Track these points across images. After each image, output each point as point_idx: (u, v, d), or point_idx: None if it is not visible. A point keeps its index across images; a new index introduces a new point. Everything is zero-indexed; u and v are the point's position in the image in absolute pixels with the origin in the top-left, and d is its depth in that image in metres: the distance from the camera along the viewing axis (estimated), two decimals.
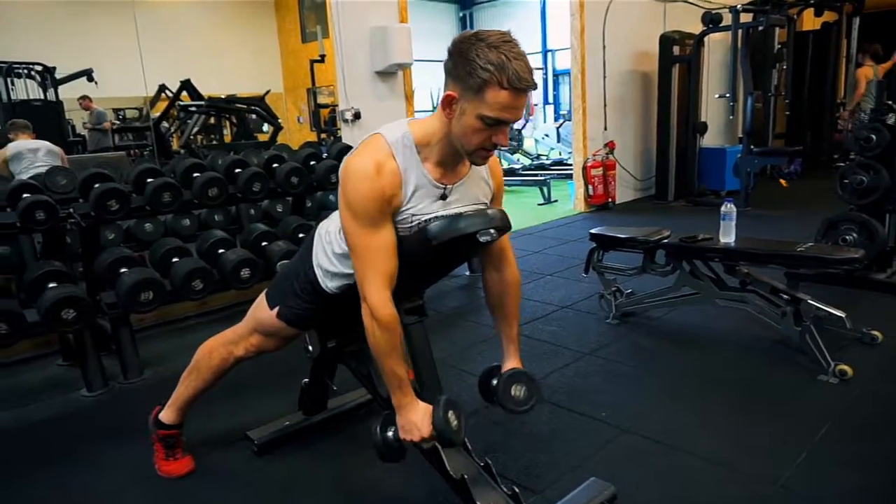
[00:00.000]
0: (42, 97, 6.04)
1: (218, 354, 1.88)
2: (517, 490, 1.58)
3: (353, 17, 4.44)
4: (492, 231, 1.47)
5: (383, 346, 1.44)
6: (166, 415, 1.98)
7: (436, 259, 1.55)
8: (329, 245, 1.64)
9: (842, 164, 4.21)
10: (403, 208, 1.44)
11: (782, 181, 6.19)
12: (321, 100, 7.17)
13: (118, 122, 7.20)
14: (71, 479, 2.06)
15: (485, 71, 1.27)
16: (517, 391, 1.68)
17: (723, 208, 2.77)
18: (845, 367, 2.36)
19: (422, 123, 1.46)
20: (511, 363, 1.75)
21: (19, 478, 2.08)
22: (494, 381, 1.76)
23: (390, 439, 1.54)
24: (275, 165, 3.45)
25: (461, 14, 16.04)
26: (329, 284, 1.67)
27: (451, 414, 1.48)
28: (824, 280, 3.14)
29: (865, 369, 2.41)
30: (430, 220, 1.46)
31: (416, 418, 1.49)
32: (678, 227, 3.18)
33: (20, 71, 5.91)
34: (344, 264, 1.61)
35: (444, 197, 1.48)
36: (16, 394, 2.76)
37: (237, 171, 3.28)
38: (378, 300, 1.42)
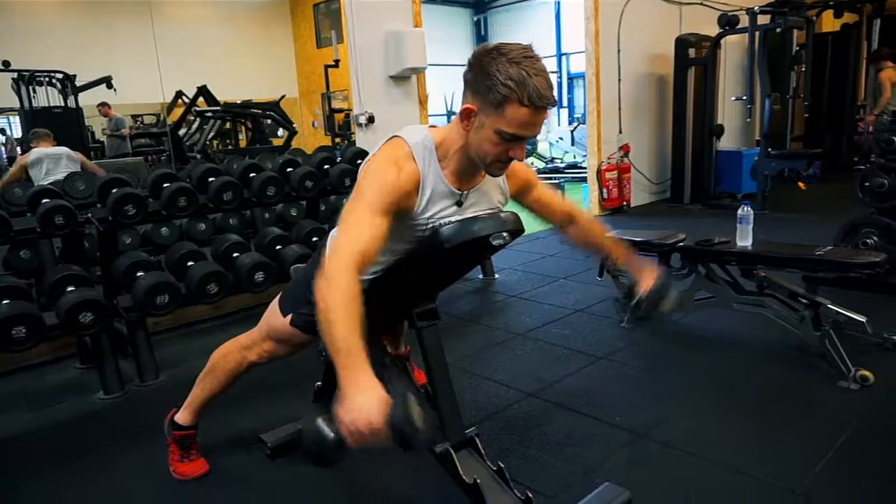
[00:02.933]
0: (62, 104, 6.14)
1: (233, 358, 1.89)
2: (530, 495, 1.57)
3: (368, 22, 4.47)
4: (504, 234, 1.46)
5: (329, 301, 1.19)
6: (182, 416, 2.00)
7: (449, 262, 1.55)
8: None
9: (862, 166, 4.15)
10: (418, 212, 1.43)
11: (800, 184, 6.10)
12: (335, 104, 7.22)
13: (138, 128, 7.31)
14: (87, 480, 2.08)
15: (505, 87, 1.26)
16: (666, 304, 1.75)
17: (740, 211, 2.74)
18: (866, 373, 2.32)
19: (440, 131, 1.47)
20: (647, 273, 1.77)
21: (38, 478, 2.11)
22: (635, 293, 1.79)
23: (324, 431, 1.23)
24: (289, 170, 3.47)
25: (475, 18, 16.07)
26: None
27: (414, 405, 1.14)
28: (844, 284, 3.08)
29: (887, 375, 2.36)
30: (443, 223, 1.46)
31: (367, 398, 1.11)
32: (694, 230, 3.14)
33: (41, 79, 6.01)
34: None
35: (459, 203, 1.48)
36: (35, 396, 2.80)
37: (252, 175, 3.31)
38: (339, 266, 1.24)
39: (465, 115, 1.36)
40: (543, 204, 1.74)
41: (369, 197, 1.36)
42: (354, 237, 1.32)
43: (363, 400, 1.11)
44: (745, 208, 2.74)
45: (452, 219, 1.47)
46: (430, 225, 1.46)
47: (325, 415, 1.21)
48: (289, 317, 1.77)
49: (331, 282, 1.22)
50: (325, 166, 3.60)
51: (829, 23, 7.80)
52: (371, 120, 4.53)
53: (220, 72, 7.23)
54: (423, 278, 1.58)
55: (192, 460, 2.02)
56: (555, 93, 1.33)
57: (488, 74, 1.28)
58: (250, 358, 1.87)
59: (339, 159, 3.80)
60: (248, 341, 1.89)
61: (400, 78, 4.67)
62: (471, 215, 1.50)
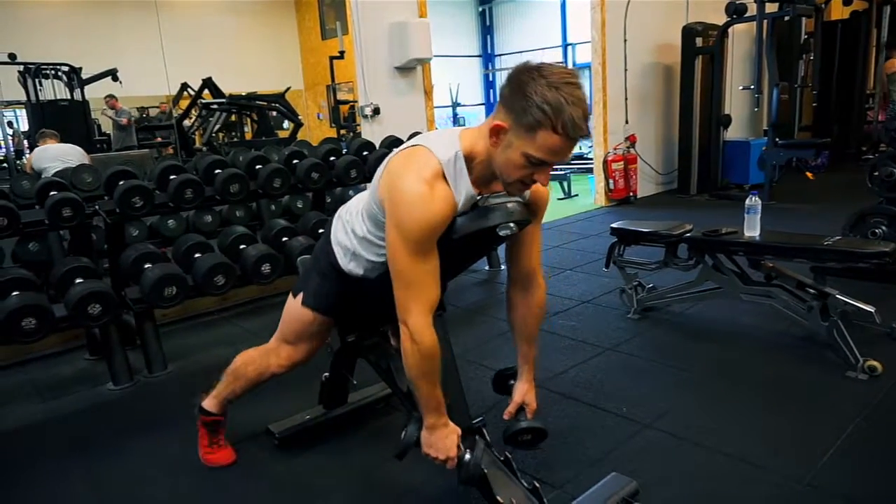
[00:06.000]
0: (69, 97, 6.15)
1: (255, 367, 1.91)
2: (537, 484, 1.58)
3: (373, 13, 4.45)
4: (511, 225, 1.45)
5: (423, 370, 1.45)
6: (209, 403, 2.02)
7: (456, 253, 1.54)
8: (349, 225, 1.64)
9: (870, 156, 4.11)
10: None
11: (808, 174, 6.07)
12: (341, 96, 7.21)
13: (143, 121, 7.32)
14: (98, 469, 2.10)
15: (540, 111, 1.23)
16: (524, 437, 1.71)
17: (747, 201, 2.73)
18: (875, 363, 2.31)
19: (469, 138, 1.41)
20: (525, 384, 1.75)
21: (49, 467, 2.13)
22: (510, 383, 1.81)
23: (408, 437, 1.60)
24: (295, 161, 3.47)
25: (480, 9, 15.94)
26: (349, 265, 1.66)
27: (485, 457, 1.56)
28: (853, 275, 3.07)
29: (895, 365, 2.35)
30: None
31: (448, 444, 1.53)
32: (701, 221, 3.13)
33: (48, 71, 6.02)
34: (364, 248, 1.60)
35: (475, 205, 1.46)
36: (46, 387, 2.83)
37: (258, 167, 3.31)
38: (420, 326, 1.40)
39: (495, 131, 1.32)
40: (525, 242, 1.64)
41: (414, 239, 1.35)
42: (417, 289, 1.40)
43: (447, 444, 1.54)
44: (754, 198, 2.72)
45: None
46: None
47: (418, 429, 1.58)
48: (300, 296, 1.78)
49: (415, 342, 1.41)
50: (331, 158, 3.60)
51: (838, 10, 7.71)
52: (377, 111, 4.52)
53: (225, 64, 7.22)
54: None
55: (220, 447, 2.04)
56: (590, 123, 1.30)
57: (525, 95, 1.25)
58: (271, 367, 1.89)
59: (344, 151, 3.80)
60: (267, 350, 1.91)
61: (405, 69, 4.65)
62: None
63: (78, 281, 2.60)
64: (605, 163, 6.16)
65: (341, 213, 1.72)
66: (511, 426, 1.72)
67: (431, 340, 1.42)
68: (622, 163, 6.21)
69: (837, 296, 2.50)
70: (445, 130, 1.46)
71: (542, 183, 1.37)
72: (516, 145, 1.30)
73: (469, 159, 1.39)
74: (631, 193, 6.34)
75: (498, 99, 1.34)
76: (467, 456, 1.54)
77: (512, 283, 1.72)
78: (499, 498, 1.53)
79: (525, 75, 1.27)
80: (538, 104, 1.23)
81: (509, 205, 1.51)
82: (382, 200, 1.43)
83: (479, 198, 1.46)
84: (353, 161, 3.53)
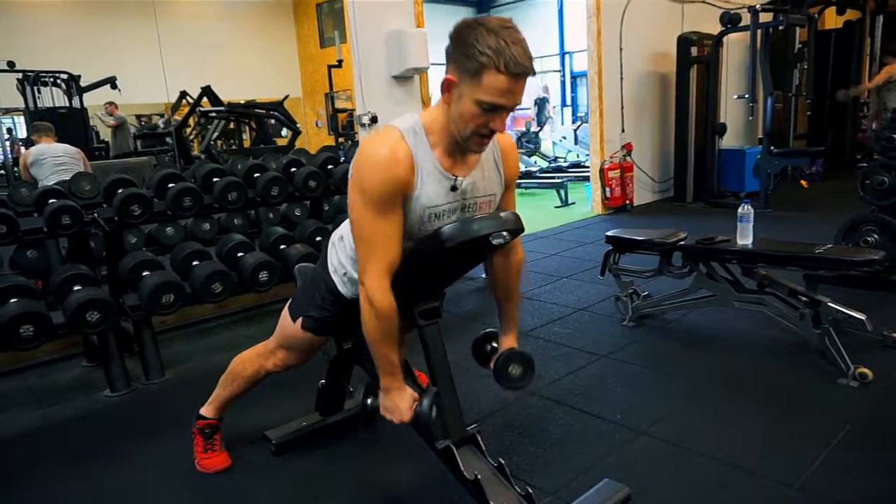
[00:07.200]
0: (68, 104, 6.18)
1: (251, 366, 1.95)
2: (531, 490, 1.59)
3: (370, 22, 4.48)
4: (504, 234, 1.48)
5: (378, 332, 1.47)
6: (206, 410, 2.06)
7: (450, 261, 1.57)
8: (343, 250, 1.67)
9: (864, 164, 4.15)
10: (417, 195, 1.43)
11: (802, 182, 6.12)
12: (339, 104, 7.25)
13: (144, 128, 7.35)
14: (95, 476, 2.11)
15: (482, 55, 1.28)
16: (514, 370, 1.74)
17: (740, 210, 2.75)
18: (865, 370, 2.33)
19: (429, 111, 1.48)
20: (509, 341, 1.78)
21: (46, 474, 2.14)
22: (489, 347, 1.85)
23: (369, 407, 1.68)
24: (293, 170, 3.49)
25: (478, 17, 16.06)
26: (348, 290, 1.69)
27: (433, 407, 1.57)
28: (845, 282, 3.09)
29: (886, 372, 2.38)
30: (443, 223, 1.48)
31: (402, 404, 1.56)
32: (696, 228, 3.16)
33: (46, 79, 6.05)
34: (354, 267, 1.62)
35: (454, 188, 1.48)
36: (43, 393, 2.84)
37: (256, 175, 3.34)
38: (376, 286, 1.43)
39: (447, 86, 1.38)
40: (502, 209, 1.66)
41: (376, 198, 1.39)
42: (376, 248, 1.42)
43: (401, 404, 1.56)
44: (745, 207, 2.75)
45: (450, 202, 1.48)
46: (428, 213, 1.46)
47: (372, 396, 1.67)
48: (299, 320, 1.80)
49: (371, 303, 1.44)
50: (329, 166, 3.63)
51: (832, 20, 7.79)
52: (374, 120, 4.55)
53: (224, 72, 7.27)
54: (424, 277, 1.60)
55: (214, 451, 2.06)
56: (534, 63, 1.34)
57: (467, 44, 1.30)
58: (267, 367, 1.93)
59: (342, 159, 3.83)
60: (265, 350, 1.94)
61: (403, 78, 4.68)
62: (469, 202, 1.51)
63: (76, 288, 2.62)
64: (602, 171, 6.19)
65: (333, 240, 1.74)
66: (500, 355, 1.74)
67: (387, 301, 1.44)
68: (619, 171, 6.24)
69: (829, 303, 2.53)
70: (409, 114, 1.51)
71: (499, 129, 1.38)
72: (466, 94, 1.34)
73: (430, 130, 1.44)
74: (627, 202, 6.37)
75: (445, 58, 1.39)
76: (419, 408, 1.57)
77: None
78: (492, 503, 1.55)
79: (465, 28, 1.33)
80: (480, 50, 1.28)
81: (502, 214, 1.54)
82: (351, 180, 1.45)
83: (455, 179, 1.47)
84: (349, 170, 3.55)
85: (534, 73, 1.35)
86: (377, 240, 1.42)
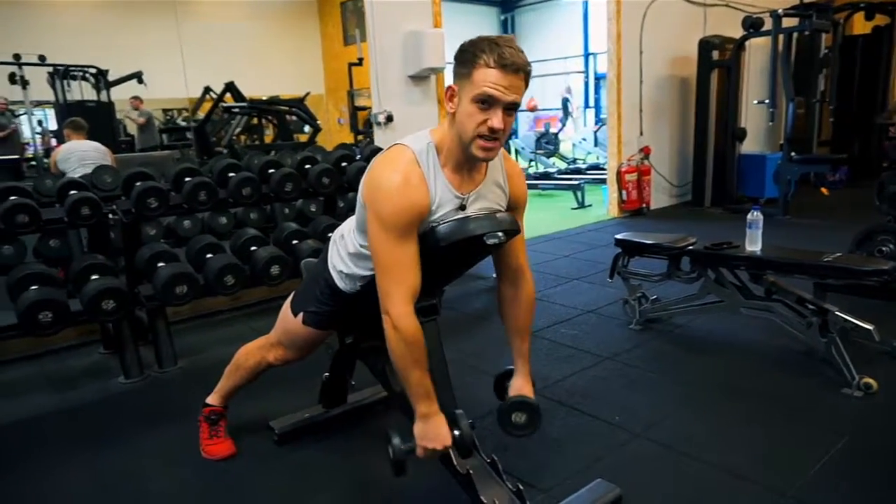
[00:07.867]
0: (96, 98, 6.33)
1: (253, 358, 2.03)
2: (521, 487, 1.62)
3: (389, 21, 4.53)
4: (499, 234, 1.50)
5: (407, 358, 1.47)
6: (212, 398, 2.15)
7: (446, 260, 1.60)
8: (343, 247, 1.72)
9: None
10: (429, 218, 1.48)
11: (823, 189, 6.03)
12: (359, 102, 7.30)
13: (169, 123, 7.49)
14: (104, 459, 2.19)
15: (476, 56, 1.36)
16: (517, 418, 1.72)
17: (749, 216, 2.74)
18: (870, 381, 2.31)
19: (439, 128, 1.52)
20: (520, 379, 1.75)
21: (58, 457, 2.23)
22: (507, 385, 1.80)
23: (400, 450, 1.54)
24: (307, 166, 3.55)
25: (503, 17, 16.04)
26: (346, 285, 1.73)
27: (471, 460, 1.59)
28: (856, 292, 3.05)
29: (892, 383, 2.36)
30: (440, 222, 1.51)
31: (443, 430, 1.52)
32: (712, 234, 3.14)
33: (75, 73, 6.21)
34: (357, 265, 1.67)
35: (462, 207, 1.52)
36: (61, 378, 2.94)
37: (271, 171, 3.40)
38: (400, 313, 1.44)
39: (449, 95, 1.45)
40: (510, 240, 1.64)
41: (393, 226, 1.42)
42: (397, 276, 1.45)
43: (441, 430, 1.53)
44: (755, 213, 2.74)
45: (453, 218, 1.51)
46: (431, 228, 1.50)
47: (397, 435, 1.56)
48: (300, 315, 1.85)
49: (397, 330, 1.44)
50: (343, 164, 3.68)
51: (860, 25, 7.64)
52: (390, 119, 4.60)
53: (247, 68, 7.37)
54: (422, 276, 1.64)
55: (219, 438, 2.13)
56: (530, 67, 1.40)
57: (464, 53, 1.39)
58: (268, 359, 2.00)
59: (357, 157, 3.87)
60: (267, 343, 2.02)
61: (419, 78, 4.72)
62: (464, 214, 1.54)
63: (94, 277, 2.70)
64: (619, 174, 6.17)
65: (335, 238, 1.79)
66: (504, 403, 1.72)
67: (413, 326, 1.45)
68: (636, 174, 6.22)
69: (837, 312, 2.50)
70: (421, 131, 1.55)
71: (495, 125, 1.37)
72: (465, 95, 1.40)
73: (440, 148, 1.49)
74: (644, 205, 6.34)
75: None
76: (456, 432, 1.54)
77: (501, 280, 1.78)
78: (483, 498, 1.58)
79: (465, 43, 1.41)
80: (474, 53, 1.37)
81: (498, 214, 1.56)
82: (366, 202, 1.49)
83: (464, 198, 1.51)
84: (363, 167, 3.59)
85: (527, 70, 1.38)
86: (398, 267, 1.45)
